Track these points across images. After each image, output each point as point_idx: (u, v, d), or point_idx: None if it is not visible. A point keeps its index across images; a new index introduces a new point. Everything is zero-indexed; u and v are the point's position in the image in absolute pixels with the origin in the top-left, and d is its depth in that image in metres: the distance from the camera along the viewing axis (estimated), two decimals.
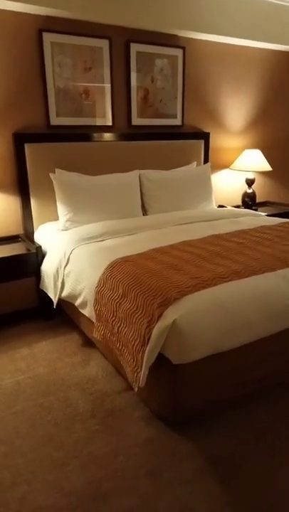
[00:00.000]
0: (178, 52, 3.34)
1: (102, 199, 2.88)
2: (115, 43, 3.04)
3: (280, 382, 1.98)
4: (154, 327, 1.54)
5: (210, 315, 1.58)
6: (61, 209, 2.81)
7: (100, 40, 2.97)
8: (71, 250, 2.38)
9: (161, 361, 1.61)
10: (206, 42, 3.46)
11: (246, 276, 1.78)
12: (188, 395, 1.67)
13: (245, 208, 3.89)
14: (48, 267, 2.54)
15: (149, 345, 1.54)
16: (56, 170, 2.89)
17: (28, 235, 2.96)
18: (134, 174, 3.11)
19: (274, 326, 1.78)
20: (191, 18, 3.16)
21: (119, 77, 3.13)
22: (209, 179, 3.46)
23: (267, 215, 3.34)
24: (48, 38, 2.78)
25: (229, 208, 3.60)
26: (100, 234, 2.50)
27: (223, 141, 3.84)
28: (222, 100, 3.72)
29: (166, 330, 1.51)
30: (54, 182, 2.81)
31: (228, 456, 1.60)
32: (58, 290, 2.41)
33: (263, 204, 4.21)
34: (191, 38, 3.38)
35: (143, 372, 1.55)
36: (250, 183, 3.89)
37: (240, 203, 3.97)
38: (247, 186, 3.90)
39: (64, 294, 2.38)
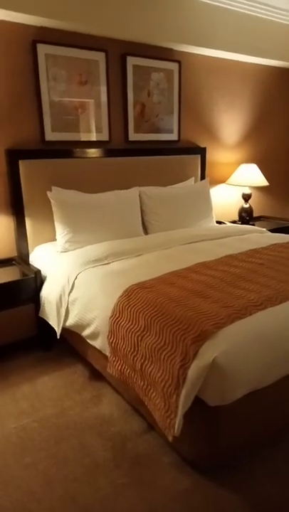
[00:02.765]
0: (174, 66, 3.26)
1: (102, 218, 2.71)
2: (112, 55, 2.92)
3: None
4: (189, 367, 1.37)
5: (252, 349, 1.43)
6: (60, 229, 2.61)
7: (96, 53, 2.84)
8: (76, 275, 2.18)
9: (194, 402, 1.43)
10: (201, 56, 3.40)
11: (280, 302, 1.64)
12: (225, 438, 1.50)
13: (242, 223, 3.80)
14: (49, 293, 2.33)
15: (185, 388, 1.36)
16: (53, 188, 2.70)
17: (22, 258, 2.74)
18: (134, 191, 2.96)
19: None
20: (187, 31, 3.09)
21: (116, 91, 3.01)
22: (208, 195, 3.35)
23: (269, 231, 3.25)
24: (42, 49, 2.62)
25: (228, 224, 3.49)
26: (105, 256, 2.32)
27: (218, 156, 3.77)
28: (217, 115, 3.66)
29: (205, 370, 1.35)
30: (52, 201, 2.62)
31: (278, 501, 1.43)
32: (62, 319, 2.20)
33: (258, 219, 4.14)
34: (187, 52, 3.30)
35: (178, 419, 1.37)
36: (246, 198, 3.81)
37: (236, 218, 3.89)
38: (244, 201, 3.83)
39: (69, 323, 2.17)
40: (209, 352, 1.37)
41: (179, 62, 3.26)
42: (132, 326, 1.67)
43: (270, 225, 3.83)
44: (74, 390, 2.12)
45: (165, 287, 1.80)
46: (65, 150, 2.81)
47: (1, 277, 2.42)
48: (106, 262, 2.30)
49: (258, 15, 3.40)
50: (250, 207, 3.82)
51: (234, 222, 3.84)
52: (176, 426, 1.39)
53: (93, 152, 2.93)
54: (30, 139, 2.72)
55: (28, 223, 2.75)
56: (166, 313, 1.58)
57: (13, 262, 2.71)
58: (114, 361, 1.77)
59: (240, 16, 3.31)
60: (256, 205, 4.16)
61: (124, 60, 2.98)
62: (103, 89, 2.93)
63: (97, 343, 1.96)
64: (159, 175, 3.29)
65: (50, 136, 2.78)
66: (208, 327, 1.43)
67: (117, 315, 1.76)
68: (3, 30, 2.47)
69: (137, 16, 2.82)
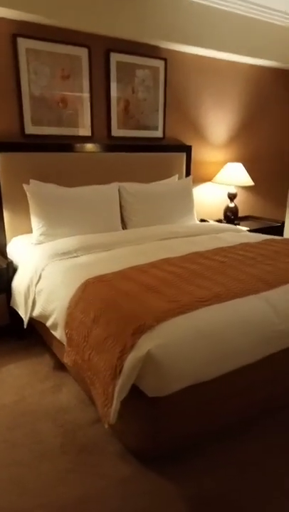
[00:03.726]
0: (159, 64, 3.27)
1: (79, 212, 2.75)
2: (95, 51, 2.94)
3: (267, 410, 1.87)
4: (126, 358, 1.41)
5: (189, 343, 1.46)
6: (35, 222, 2.66)
7: (78, 49, 2.87)
8: (43, 267, 2.23)
9: (136, 392, 1.47)
10: (189, 54, 3.40)
11: (228, 300, 1.67)
12: (166, 429, 1.54)
13: (227, 222, 3.82)
14: (19, 283, 2.38)
15: (120, 378, 1.40)
16: (31, 181, 2.74)
17: (0, 249, 2.79)
18: (114, 186, 2.99)
19: (259, 352, 1.67)
20: (174, 29, 3.10)
21: (99, 86, 3.03)
22: (191, 193, 3.37)
23: (249, 231, 3.26)
24: (23, 43, 2.65)
25: (211, 222, 3.51)
26: (75, 249, 2.36)
27: (205, 154, 3.78)
28: (204, 113, 3.66)
29: (139, 361, 1.38)
30: (28, 193, 2.67)
31: (213, 496, 1.47)
32: (29, 309, 2.25)
33: (246, 218, 4.15)
34: (174, 50, 3.31)
35: (113, 408, 1.41)
36: (232, 197, 3.82)
37: (222, 217, 3.90)
38: (229, 200, 3.84)
39: (35, 313, 2.22)
40: (146, 344, 1.40)
41: (165, 59, 3.27)
42: (84, 318, 1.71)
43: (255, 225, 3.84)
44: (37, 379, 2.17)
45: (122, 281, 1.84)
46: (44, 144, 2.84)
47: None
48: (75, 255, 2.34)
49: (249, 15, 3.40)
50: (235, 206, 3.83)
51: (219, 221, 3.85)
52: (111, 414, 1.43)
53: (74, 147, 2.97)
54: (10, 132, 2.76)
55: (6, 215, 2.79)
56: (115, 306, 1.62)
57: None
58: (69, 351, 1.81)
59: (231, 15, 3.31)
60: (244, 204, 4.17)
61: (107, 56, 3.00)
62: (86, 84, 2.96)
63: (57, 334, 2.00)
64: (143, 172, 3.32)
65: (31, 129, 2.82)
66: (148, 320, 1.47)
67: (73, 306, 1.81)
68: None
69: (122, 12, 2.83)
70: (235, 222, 3.83)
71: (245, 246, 2.43)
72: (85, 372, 1.66)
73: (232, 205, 3.83)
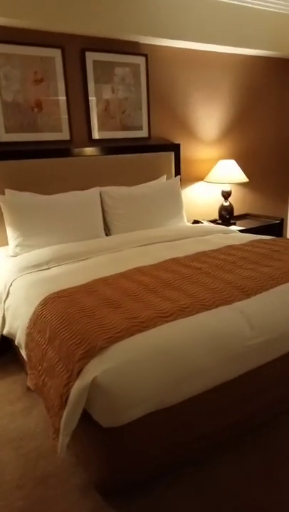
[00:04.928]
0: (140, 60, 3.12)
1: (58, 220, 2.62)
2: (69, 52, 2.82)
3: (244, 433, 1.69)
4: (72, 386, 1.26)
5: (146, 366, 1.30)
6: (10, 233, 2.55)
7: (51, 50, 2.75)
8: (11, 281, 2.11)
9: (93, 421, 1.32)
10: (172, 48, 3.24)
11: (195, 313, 1.50)
12: (127, 460, 1.38)
13: (222, 222, 3.63)
14: None
15: (66, 409, 1.26)
16: (6, 190, 2.63)
17: None
18: (94, 191, 2.85)
19: (230, 371, 1.49)
20: (153, 23, 2.94)
21: (76, 88, 2.90)
22: (179, 193, 3.20)
23: (241, 231, 3.07)
24: None
25: (204, 224, 3.33)
26: (47, 261, 2.24)
27: (196, 152, 3.60)
28: (193, 109, 3.49)
29: (85, 390, 1.23)
30: (1, 203, 2.56)
31: None
32: (0, 326, 2.13)
33: (244, 217, 3.95)
34: (154, 45, 3.16)
35: (60, 442, 1.27)
36: (226, 195, 3.63)
37: (217, 216, 3.71)
38: (223, 199, 3.65)
39: (5, 331, 2.10)
40: (93, 370, 1.25)
41: (145, 55, 3.12)
42: (39, 339, 1.57)
43: (252, 224, 3.64)
44: (8, 400, 2.05)
45: (83, 296, 1.69)
46: (20, 151, 2.73)
47: None
48: (46, 267, 2.21)
49: (236, 2, 3.21)
50: (230, 205, 3.64)
51: (214, 221, 3.67)
52: (58, 448, 1.28)
53: (52, 152, 2.84)
54: None
55: None
56: (69, 325, 1.47)
57: None
58: (30, 374, 1.68)
59: (216, 4, 3.14)
60: (241, 202, 3.97)
61: (83, 55, 2.87)
62: (61, 86, 2.84)
63: (23, 354, 1.87)
64: (128, 174, 3.17)
65: (4, 137, 2.71)
66: (99, 342, 1.32)
67: (31, 326, 1.67)
68: None
69: (96, 8, 2.70)
70: (231, 221, 3.65)
71: (229, 249, 2.25)
72: (42, 398, 1.52)
73: (226, 203, 3.64)
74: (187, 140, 3.52)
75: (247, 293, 1.66)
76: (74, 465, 1.60)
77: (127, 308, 1.54)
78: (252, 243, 2.34)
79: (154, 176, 3.28)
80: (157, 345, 1.35)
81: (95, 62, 2.93)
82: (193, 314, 1.49)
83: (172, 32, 3.04)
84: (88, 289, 1.77)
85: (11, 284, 2.10)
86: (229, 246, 2.31)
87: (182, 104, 3.43)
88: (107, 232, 2.89)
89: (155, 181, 3.21)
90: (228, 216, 3.64)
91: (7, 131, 2.72)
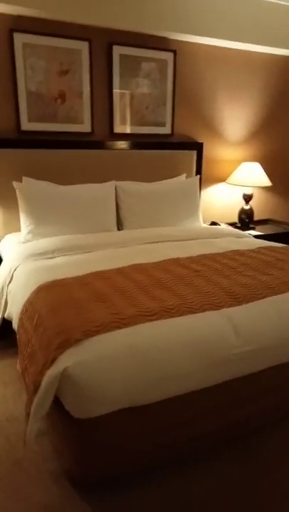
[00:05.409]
0: (168, 56, 3.09)
1: (71, 211, 2.66)
2: (96, 45, 2.83)
3: (223, 440, 1.66)
4: (45, 374, 1.28)
5: (118, 362, 1.31)
6: (23, 220, 2.61)
7: (78, 42, 2.77)
8: (16, 267, 2.16)
9: (63, 412, 1.35)
10: (201, 45, 3.19)
11: (179, 315, 1.49)
12: (97, 453, 1.40)
13: (241, 225, 3.56)
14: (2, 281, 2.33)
15: (36, 396, 1.28)
16: (23, 178, 2.70)
17: None
18: (110, 185, 2.87)
19: (213, 377, 1.47)
20: (183, 19, 2.91)
21: (100, 81, 2.92)
22: (196, 193, 3.16)
23: (256, 236, 3.00)
24: (19, 38, 2.61)
25: (222, 226, 3.27)
26: (53, 250, 2.28)
27: (219, 153, 3.54)
28: (219, 108, 3.43)
29: (56, 379, 1.25)
30: (17, 191, 2.62)
31: None
32: (1, 308, 2.19)
33: (265, 222, 3.85)
34: (183, 41, 3.12)
35: (29, 427, 1.30)
36: (247, 198, 3.56)
37: (236, 219, 3.64)
38: (244, 202, 3.57)
39: (6, 314, 2.16)
40: (66, 360, 1.27)
41: (174, 51, 3.09)
42: (28, 325, 1.61)
43: (273, 230, 3.55)
44: (2, 382, 2.11)
45: (75, 287, 1.71)
46: (40, 140, 2.79)
47: None
48: (51, 256, 2.25)
49: None
50: (250, 209, 3.56)
51: (233, 224, 3.61)
52: (27, 433, 1.31)
53: (72, 144, 2.88)
54: (6, 128, 2.73)
55: (0, 211, 2.78)
56: (54, 314, 1.50)
57: None
58: (19, 358, 1.72)
59: (247, 1, 3.06)
60: (264, 207, 3.87)
61: (110, 49, 2.88)
62: (86, 79, 2.86)
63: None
64: (147, 170, 3.16)
65: (27, 126, 2.78)
66: (76, 334, 1.33)
67: (24, 311, 1.72)
68: None
69: (125, 2, 2.70)
70: (251, 225, 3.57)
71: (234, 254, 2.20)
72: (24, 382, 1.56)
73: (247, 207, 3.56)
74: (211, 139, 3.46)
75: (239, 300, 1.62)
76: (50, 452, 1.63)
77: (114, 303, 1.54)
78: (259, 249, 2.28)
79: (174, 174, 3.26)
80: (133, 343, 1.35)
81: (121, 56, 2.94)
82: (178, 316, 1.47)
83: (202, 29, 2.99)
84: (83, 281, 1.79)
85: (15, 269, 2.15)
86: (235, 251, 2.26)
87: (208, 103, 3.37)
88: (120, 227, 2.90)
89: (173, 179, 3.19)
90: (247, 220, 3.56)
91: (29, 120, 2.78)
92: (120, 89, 3.00)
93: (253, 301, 1.63)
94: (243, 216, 3.57)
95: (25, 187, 2.64)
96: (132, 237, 2.52)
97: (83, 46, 2.80)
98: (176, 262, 2.05)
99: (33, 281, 1.87)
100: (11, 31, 2.57)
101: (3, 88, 2.65)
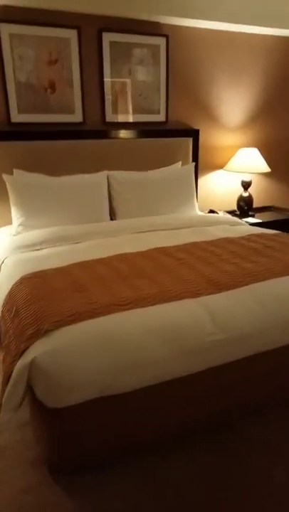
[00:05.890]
0: (160, 41, 3.03)
1: (62, 202, 2.65)
2: (85, 32, 2.79)
3: (199, 429, 1.65)
4: (16, 364, 1.29)
5: (88, 351, 1.30)
6: (14, 212, 2.61)
7: (67, 31, 2.74)
8: (3, 259, 2.17)
9: (37, 402, 1.35)
10: (195, 29, 3.11)
11: (155, 303, 1.47)
12: (74, 442, 1.41)
13: (240, 213, 3.50)
14: None
15: (8, 386, 1.29)
16: (14, 170, 2.70)
17: None
18: (102, 175, 2.85)
19: (188, 365, 1.45)
20: (175, 2, 2.83)
21: (91, 69, 2.88)
22: (192, 181, 3.11)
23: (252, 224, 2.94)
24: (5, 29, 2.58)
25: (209, 214, 3.20)
26: (40, 241, 2.28)
27: (216, 139, 3.47)
28: (216, 93, 3.35)
29: (25, 369, 1.26)
30: (7, 183, 2.62)
31: None
32: None
33: (267, 209, 3.78)
34: (177, 25, 3.04)
35: (1, 416, 1.31)
36: (246, 185, 3.49)
37: (236, 207, 3.58)
38: (243, 189, 3.50)
39: None
40: (35, 350, 1.27)
41: (166, 36, 3.02)
42: (7, 316, 1.62)
43: (274, 216, 3.48)
44: None
45: (56, 278, 1.71)
46: (31, 132, 2.77)
47: None
48: (39, 247, 2.26)
49: None
50: (249, 196, 3.49)
51: (233, 211, 3.55)
52: None
53: (64, 134, 2.86)
54: None
55: None
56: (30, 305, 1.50)
57: None
58: (1, 349, 1.74)
59: None
60: (265, 194, 3.80)
61: (99, 36, 2.84)
62: (75, 68, 2.83)
63: None
64: (142, 159, 3.13)
65: (17, 117, 2.77)
66: (48, 324, 1.33)
67: (5, 303, 1.72)
68: None
69: None
70: (250, 213, 3.51)
71: (223, 242, 2.16)
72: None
73: (246, 194, 3.49)
74: (207, 126, 3.39)
75: (219, 287, 1.59)
76: (31, 440, 1.65)
77: (91, 293, 1.53)
78: (250, 237, 2.24)
79: (170, 162, 3.21)
80: (104, 332, 1.34)
81: (111, 43, 2.89)
82: (153, 305, 1.46)
83: (195, 11, 2.91)
84: (64, 271, 1.78)
85: (3, 262, 2.16)
86: (224, 238, 2.22)
87: (204, 88, 3.30)
88: (113, 217, 2.88)
89: (168, 167, 3.14)
90: (246, 207, 3.50)
91: (20, 111, 2.76)
92: (112, 77, 2.95)
93: (233, 288, 1.60)
94: (241, 203, 3.50)
95: (16, 180, 2.64)
96: (121, 227, 2.50)
97: (72, 34, 2.76)
98: (162, 250, 2.03)
99: (17, 273, 1.88)
100: None
101: None
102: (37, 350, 1.27)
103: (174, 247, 2.09)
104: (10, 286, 1.80)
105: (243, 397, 1.64)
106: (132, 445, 1.51)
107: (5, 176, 2.62)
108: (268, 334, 1.55)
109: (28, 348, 1.29)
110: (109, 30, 2.84)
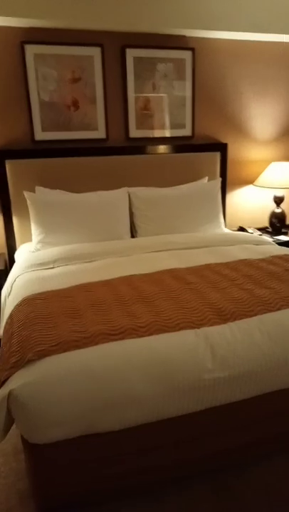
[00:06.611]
0: (185, 55, 2.95)
1: (82, 219, 2.63)
2: (108, 49, 2.78)
3: (197, 472, 1.49)
4: None
5: (69, 385, 1.21)
6: (34, 229, 2.62)
7: (90, 48, 2.74)
8: (15, 278, 2.16)
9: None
10: (222, 41, 3.01)
11: (149, 334, 1.36)
12: (57, 480, 1.32)
13: (272, 230, 3.30)
14: (2, 292, 2.36)
15: None
16: (37, 187, 2.72)
17: (10, 255, 2.84)
18: (122, 192, 2.80)
19: (184, 405, 1.32)
20: (201, 14, 2.75)
21: (114, 86, 2.87)
22: (217, 197, 2.98)
23: (281, 243, 2.74)
24: (31, 50, 2.63)
25: (236, 232, 3.00)
26: (54, 260, 2.25)
27: (246, 153, 3.31)
28: (244, 106, 3.21)
29: (3, 400, 1.19)
30: (28, 200, 2.64)
31: None
32: (2, 319, 2.20)
33: None
34: (203, 38, 2.96)
35: None
36: (278, 201, 3.29)
37: (267, 224, 3.38)
38: (275, 205, 3.31)
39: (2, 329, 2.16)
40: (15, 381, 1.21)
41: (192, 49, 2.94)
42: (5, 339, 1.58)
43: None
44: None
45: (55, 301, 1.65)
46: (54, 149, 2.79)
47: None
48: (52, 266, 2.23)
49: None
50: (282, 212, 3.29)
51: (264, 228, 3.36)
52: None
53: (87, 151, 2.85)
54: (20, 139, 2.77)
55: (16, 221, 2.82)
56: (21, 331, 1.45)
57: None
58: None
59: None
60: None
61: (123, 52, 2.82)
62: (99, 85, 2.82)
63: None
64: (166, 174, 3.05)
65: (41, 135, 2.80)
66: (31, 353, 1.26)
67: (6, 325, 1.69)
68: None
69: (137, 3, 2.62)
70: (283, 230, 3.29)
71: (240, 264, 2.01)
72: None
73: (278, 210, 3.29)
74: (236, 139, 3.25)
75: (225, 317, 1.45)
76: (24, 470, 1.58)
77: (83, 319, 1.46)
78: (272, 259, 2.06)
79: (195, 178, 3.11)
80: (86, 365, 1.25)
81: (135, 58, 2.86)
82: (147, 335, 1.35)
83: (223, 23, 2.81)
84: (65, 294, 1.72)
85: (15, 280, 2.15)
86: (243, 260, 2.06)
87: (232, 101, 3.17)
88: (134, 234, 2.81)
89: (193, 183, 3.03)
90: (278, 224, 3.29)
91: (43, 129, 2.79)
92: (135, 92, 2.91)
93: (241, 319, 1.45)
94: (274, 220, 3.30)
95: (35, 197, 2.65)
96: (137, 246, 2.42)
97: (95, 52, 2.76)
98: (172, 272, 1.91)
99: (23, 293, 1.85)
100: (22, 43, 2.60)
101: (16, 99, 2.69)
102: (16, 381, 1.21)
103: (186, 269, 1.96)
104: (12, 308, 1.77)
105: (248, 439, 1.47)
106: (122, 487, 1.39)
107: (26, 194, 2.64)
108: (276, 372, 1.38)
109: (9, 377, 1.23)
110: (133, 46, 2.82)
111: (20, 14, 2.42)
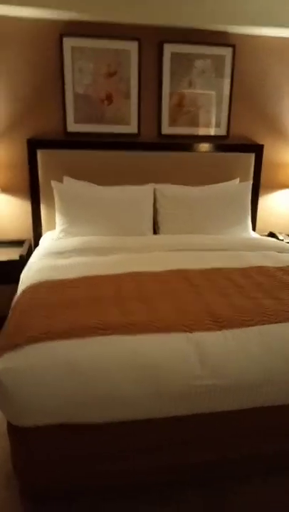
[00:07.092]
0: (226, 52, 2.87)
1: (106, 212, 2.65)
2: (145, 44, 2.76)
3: (185, 480, 1.46)
4: None
5: (52, 375, 1.23)
6: (58, 218, 2.68)
7: (127, 43, 2.74)
8: (31, 264, 2.22)
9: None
10: (265, 38, 2.89)
11: (140, 333, 1.34)
12: (38, 465, 1.34)
13: None
14: (22, 277, 2.43)
15: None
16: (64, 177, 2.77)
17: (36, 241, 2.92)
18: (148, 188, 2.78)
19: (169, 408, 1.29)
20: (243, 9, 2.66)
21: (149, 81, 2.85)
22: (247, 200, 2.89)
23: None
24: (68, 42, 2.68)
25: (264, 237, 2.88)
26: (70, 250, 2.29)
27: (284, 156, 3.17)
28: (286, 106, 3.07)
29: None
30: (54, 190, 2.70)
31: None
32: None
33: None
34: (245, 34, 2.86)
35: None
36: None
37: None
38: None
39: None
40: (0, 364, 1.24)
41: (233, 46, 2.86)
42: (6, 323, 1.63)
43: None
44: None
45: (58, 290, 1.68)
46: (84, 141, 2.83)
47: (3, 256, 2.64)
48: (68, 255, 2.26)
49: None
50: None
51: None
52: None
53: (117, 145, 2.86)
54: (53, 130, 2.83)
55: (43, 209, 2.90)
56: (20, 316, 1.48)
57: (23, 244, 2.89)
58: None
59: None
60: None
61: (160, 48, 2.79)
62: (134, 79, 2.82)
63: None
64: (197, 174, 2.99)
65: (73, 127, 2.84)
66: (20, 339, 1.29)
67: (11, 310, 1.74)
68: (30, 27, 2.61)
69: None
70: None
71: (254, 271, 1.93)
72: None
73: None
74: (273, 141, 3.12)
75: (221, 324, 1.40)
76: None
77: (78, 311, 1.47)
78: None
79: (225, 179, 3.02)
80: (72, 357, 1.26)
81: (173, 54, 2.82)
82: (134, 333, 1.33)
83: (267, 18, 2.70)
84: (71, 285, 1.74)
85: (30, 266, 2.21)
86: (257, 267, 1.98)
87: (272, 101, 3.04)
88: (157, 231, 2.79)
89: (222, 184, 2.95)
90: None
91: (76, 121, 2.83)
92: (171, 88, 2.88)
93: (237, 327, 1.39)
94: None
95: (62, 186, 2.70)
96: (156, 243, 2.40)
97: (132, 46, 2.75)
98: (180, 273, 1.87)
99: (31, 280, 1.89)
100: (61, 36, 2.65)
101: (51, 91, 2.75)
102: (2, 364, 1.24)
103: (197, 270, 1.92)
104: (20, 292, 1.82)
105: (243, 452, 1.41)
106: (104, 485, 1.40)
107: (53, 183, 2.70)
108: (271, 387, 1.32)
109: None
110: (171, 41, 2.78)
111: (61, 7, 2.46)
